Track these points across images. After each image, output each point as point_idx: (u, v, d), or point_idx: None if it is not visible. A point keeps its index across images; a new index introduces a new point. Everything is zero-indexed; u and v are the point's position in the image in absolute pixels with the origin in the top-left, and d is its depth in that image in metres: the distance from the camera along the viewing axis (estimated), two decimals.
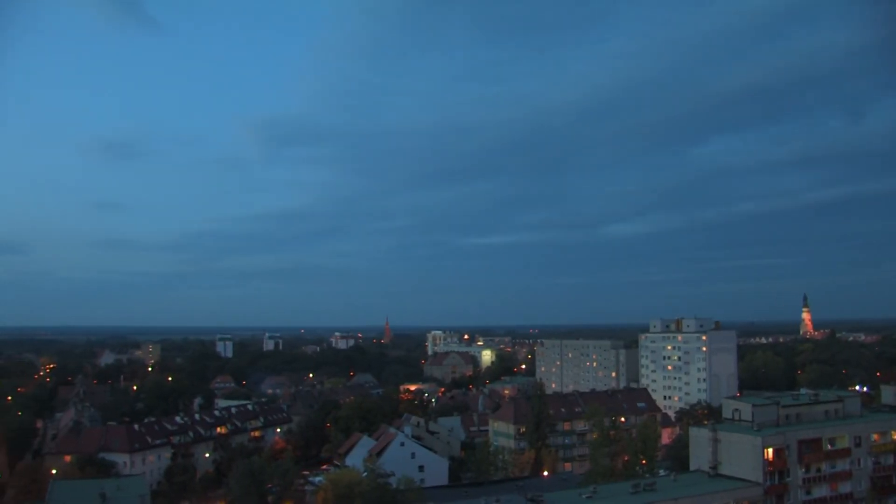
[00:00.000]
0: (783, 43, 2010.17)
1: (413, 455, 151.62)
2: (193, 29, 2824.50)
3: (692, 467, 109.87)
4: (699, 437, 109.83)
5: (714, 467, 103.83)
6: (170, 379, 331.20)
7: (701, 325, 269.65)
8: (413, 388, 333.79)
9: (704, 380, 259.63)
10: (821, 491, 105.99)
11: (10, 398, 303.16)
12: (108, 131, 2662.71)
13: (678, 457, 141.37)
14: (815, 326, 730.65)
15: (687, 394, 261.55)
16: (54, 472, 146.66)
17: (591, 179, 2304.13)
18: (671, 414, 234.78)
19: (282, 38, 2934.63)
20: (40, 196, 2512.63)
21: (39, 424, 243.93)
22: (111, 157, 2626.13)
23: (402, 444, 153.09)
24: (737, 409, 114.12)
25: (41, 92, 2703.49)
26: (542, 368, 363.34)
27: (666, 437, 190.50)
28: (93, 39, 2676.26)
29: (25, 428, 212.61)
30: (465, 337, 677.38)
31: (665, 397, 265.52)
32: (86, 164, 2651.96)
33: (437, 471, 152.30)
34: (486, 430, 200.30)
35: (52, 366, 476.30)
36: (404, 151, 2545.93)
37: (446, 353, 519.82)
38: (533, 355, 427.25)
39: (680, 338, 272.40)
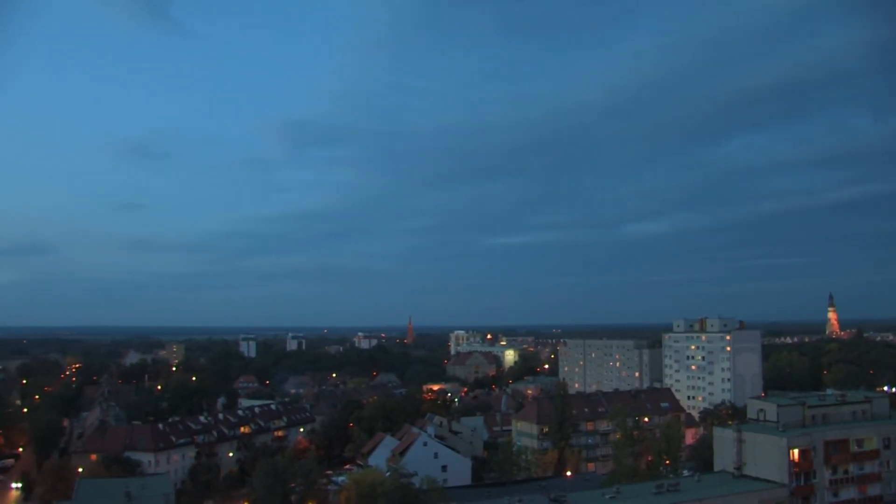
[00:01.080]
0: (805, 40, 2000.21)
1: (436, 455, 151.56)
2: (217, 31, 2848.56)
3: (716, 468, 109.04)
4: (723, 437, 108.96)
5: (739, 468, 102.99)
6: (194, 378, 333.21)
7: (725, 325, 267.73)
8: (436, 387, 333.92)
9: (728, 380, 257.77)
10: (849, 493, 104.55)
11: (37, 397, 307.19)
12: (133, 132, 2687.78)
13: (702, 457, 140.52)
14: (842, 326, 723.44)
15: (711, 394, 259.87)
16: (80, 470, 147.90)
17: (613, 179, 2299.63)
18: (695, 414, 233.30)
19: (304, 40, 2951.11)
20: (66, 197, 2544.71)
21: (66, 423, 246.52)
22: (135, 158, 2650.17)
23: (425, 444, 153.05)
24: (761, 410, 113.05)
25: (66, 94, 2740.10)
26: (566, 368, 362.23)
27: (690, 437, 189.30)
28: (118, 42, 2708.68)
29: (52, 427, 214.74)
30: (488, 336, 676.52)
31: (689, 397, 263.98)
32: (110, 166, 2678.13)
33: (460, 471, 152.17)
34: (510, 430, 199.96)
35: (77, 365, 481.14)
36: (426, 151, 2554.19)
37: (469, 353, 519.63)
38: (556, 355, 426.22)
39: (704, 337, 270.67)
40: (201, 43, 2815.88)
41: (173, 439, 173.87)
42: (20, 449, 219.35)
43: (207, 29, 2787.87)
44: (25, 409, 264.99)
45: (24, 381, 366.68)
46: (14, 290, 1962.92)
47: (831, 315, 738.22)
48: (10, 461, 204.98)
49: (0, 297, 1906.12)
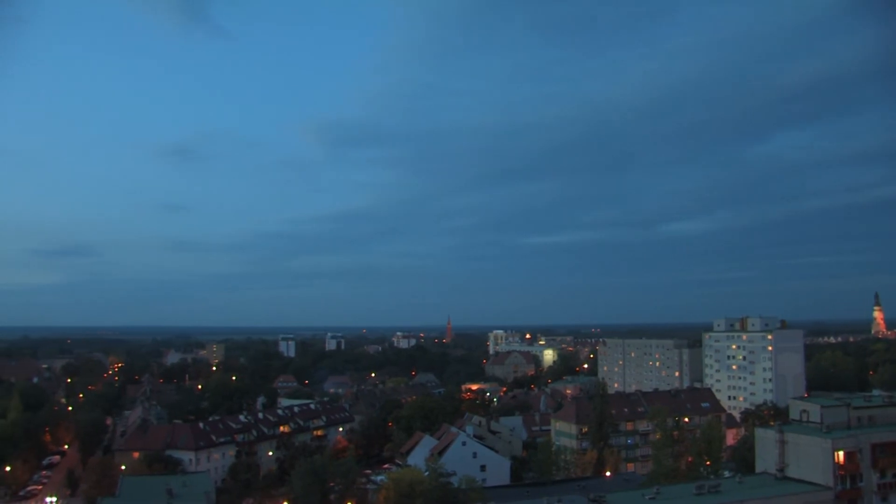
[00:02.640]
0: (847, 35, 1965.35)
1: (475, 454, 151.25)
2: (257, 34, 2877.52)
3: (758, 469, 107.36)
4: (765, 438, 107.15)
5: (781, 469, 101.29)
6: (234, 378, 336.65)
7: (766, 324, 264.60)
8: (475, 387, 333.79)
9: (770, 380, 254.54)
10: None
11: (81, 396, 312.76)
12: (175, 135, 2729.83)
13: (744, 458, 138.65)
14: (888, 325, 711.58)
15: (752, 394, 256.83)
16: (123, 467, 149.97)
17: (653, 177, 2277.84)
18: (736, 414, 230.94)
19: (343, 42, 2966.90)
20: (109, 199, 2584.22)
21: (109, 421, 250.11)
22: (178, 160, 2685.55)
23: (464, 444, 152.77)
24: (805, 410, 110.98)
25: (110, 97, 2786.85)
26: (605, 368, 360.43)
27: (731, 438, 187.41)
28: (161, 47, 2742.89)
29: (96, 425, 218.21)
30: (527, 336, 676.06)
31: (730, 397, 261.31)
32: (153, 168, 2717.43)
33: (498, 470, 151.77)
34: (548, 430, 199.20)
35: (120, 365, 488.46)
36: (465, 151, 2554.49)
37: (508, 353, 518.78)
38: (595, 355, 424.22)
39: (745, 337, 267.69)
40: (242, 46, 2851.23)
41: (214, 438, 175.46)
42: (66, 446, 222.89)
43: (248, 32, 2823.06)
44: (70, 408, 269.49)
45: (69, 380, 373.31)
46: (59, 291, 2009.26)
47: (877, 314, 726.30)
48: (57, 458, 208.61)
49: (46, 298, 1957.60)
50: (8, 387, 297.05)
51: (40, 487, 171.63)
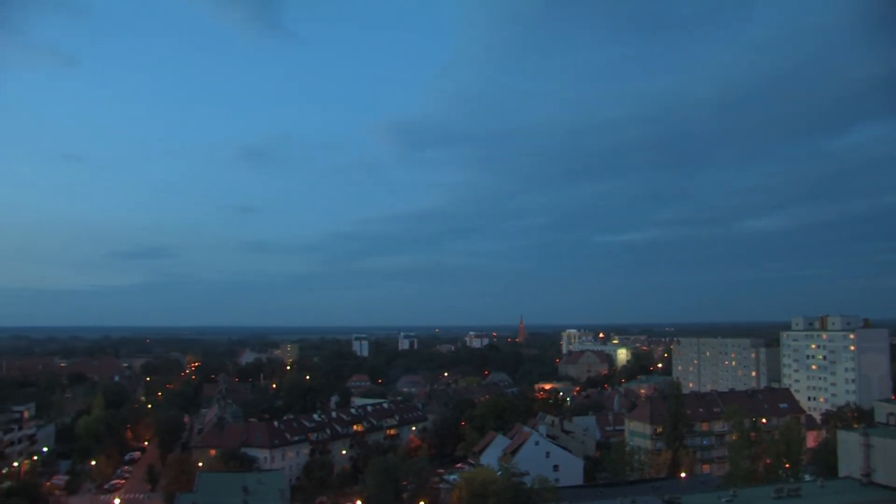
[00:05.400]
0: None
1: (548, 454, 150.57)
2: (328, 38, 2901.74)
3: (841, 473, 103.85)
4: (849, 441, 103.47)
5: (867, 475, 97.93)
6: (307, 377, 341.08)
7: (848, 323, 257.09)
8: (548, 386, 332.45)
9: (853, 381, 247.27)
10: None
11: (160, 394, 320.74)
12: (251, 139, 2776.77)
13: (825, 462, 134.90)
14: None
15: (833, 395, 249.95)
16: (200, 464, 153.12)
17: (728, 174, 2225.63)
18: (816, 416, 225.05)
19: (414, 43, 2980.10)
20: (187, 202, 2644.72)
21: (187, 419, 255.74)
22: (253, 163, 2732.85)
23: (537, 444, 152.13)
24: (892, 413, 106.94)
25: (187, 103, 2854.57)
26: (679, 367, 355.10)
27: (811, 440, 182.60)
28: (236, 53, 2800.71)
29: (175, 422, 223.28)
30: (601, 335, 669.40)
31: (809, 398, 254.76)
32: (229, 171, 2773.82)
33: (571, 470, 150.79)
34: (622, 430, 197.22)
35: (196, 364, 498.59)
36: (538, 150, 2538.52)
37: (581, 352, 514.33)
38: (669, 354, 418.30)
39: (825, 336, 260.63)
40: (314, 50, 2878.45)
41: (288, 436, 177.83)
42: (146, 443, 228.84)
43: (319, 37, 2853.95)
44: (150, 405, 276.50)
45: (148, 379, 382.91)
46: (138, 292, 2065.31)
47: None
48: (137, 454, 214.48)
49: (125, 299, 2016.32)
50: (91, 385, 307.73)
51: (123, 482, 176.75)
